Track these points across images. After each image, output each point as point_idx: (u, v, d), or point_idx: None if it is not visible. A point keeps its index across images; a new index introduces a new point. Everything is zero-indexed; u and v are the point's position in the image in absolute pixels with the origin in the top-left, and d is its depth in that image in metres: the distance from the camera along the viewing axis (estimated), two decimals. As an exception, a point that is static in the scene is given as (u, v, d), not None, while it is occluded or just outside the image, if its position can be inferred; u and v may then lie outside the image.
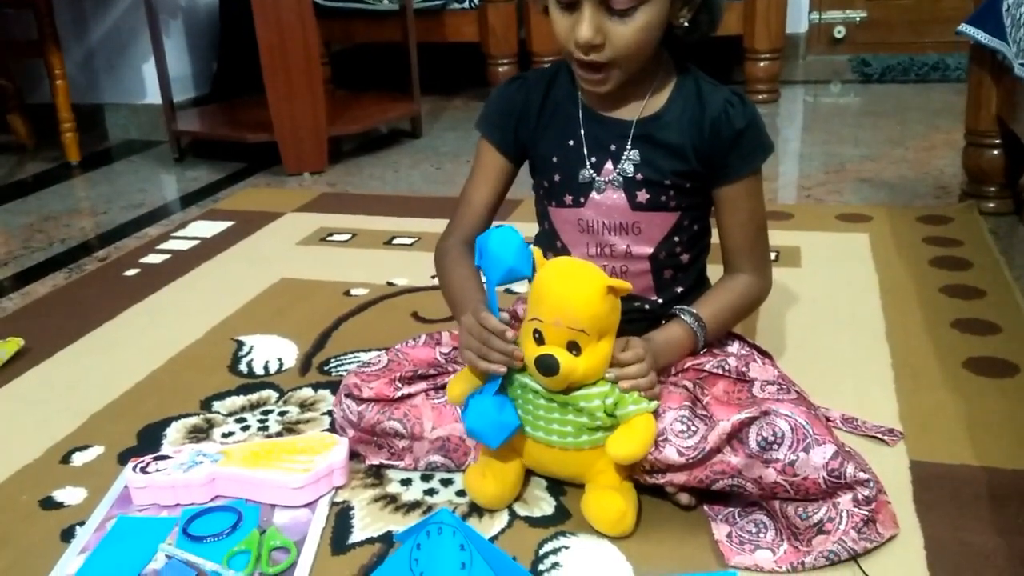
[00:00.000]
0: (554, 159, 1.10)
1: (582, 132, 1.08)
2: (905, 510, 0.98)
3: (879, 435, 1.11)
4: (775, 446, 0.91)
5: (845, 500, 0.91)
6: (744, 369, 1.03)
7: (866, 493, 0.91)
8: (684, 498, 1.00)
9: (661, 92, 1.07)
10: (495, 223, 1.14)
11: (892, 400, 1.20)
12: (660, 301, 1.11)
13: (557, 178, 1.10)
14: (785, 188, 2.19)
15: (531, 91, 1.12)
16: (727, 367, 1.04)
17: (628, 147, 1.06)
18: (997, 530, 0.94)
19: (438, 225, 1.97)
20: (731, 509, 0.98)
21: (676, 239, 1.09)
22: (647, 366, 0.96)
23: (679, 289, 1.12)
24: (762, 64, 3.02)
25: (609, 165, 1.07)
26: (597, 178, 1.08)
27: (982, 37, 1.74)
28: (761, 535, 0.94)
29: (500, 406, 0.97)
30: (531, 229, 1.19)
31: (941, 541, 0.93)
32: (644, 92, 1.06)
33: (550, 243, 1.14)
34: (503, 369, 0.97)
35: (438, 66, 3.34)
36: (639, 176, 1.06)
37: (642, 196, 1.06)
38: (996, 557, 0.91)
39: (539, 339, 0.95)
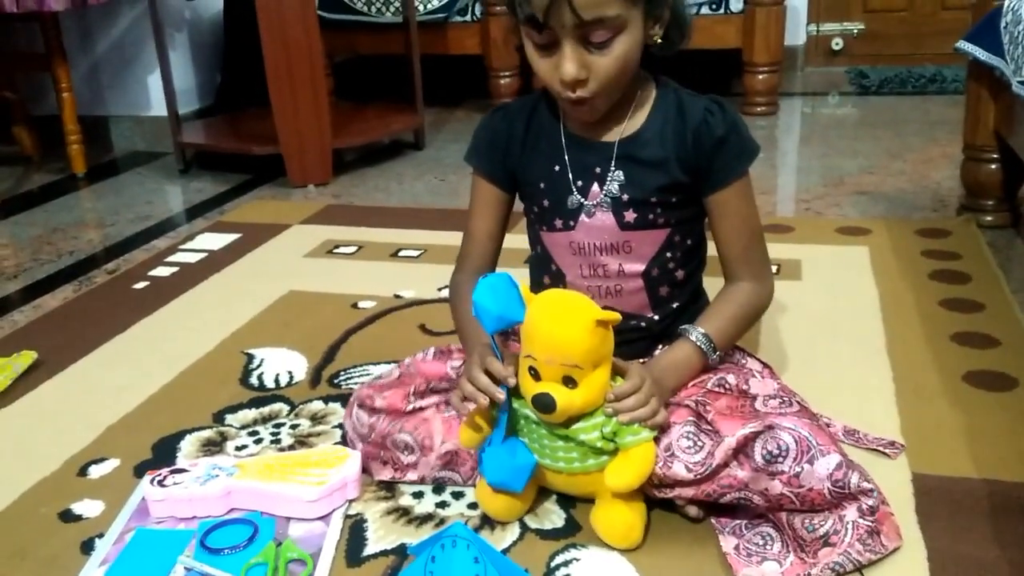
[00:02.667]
0: (541, 185, 1.12)
1: (566, 157, 1.10)
2: (907, 522, 1.00)
3: (880, 448, 1.13)
4: (780, 459, 0.93)
5: (850, 512, 0.94)
6: (744, 386, 1.05)
7: (870, 503, 0.93)
8: (693, 511, 1.02)
9: (641, 109, 1.09)
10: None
11: (893, 413, 1.22)
12: (656, 318, 1.13)
13: (546, 203, 1.12)
14: (784, 201, 2.21)
15: (514, 120, 1.14)
16: (728, 385, 1.06)
17: (612, 168, 1.08)
18: (998, 542, 0.97)
19: (444, 237, 2.02)
20: (738, 521, 1.01)
21: (668, 255, 1.11)
22: (644, 395, 0.97)
23: (675, 305, 1.14)
24: (761, 77, 3.04)
25: (595, 188, 1.09)
26: (585, 202, 1.09)
27: (980, 54, 1.77)
28: (768, 547, 0.97)
29: (512, 451, 0.99)
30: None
31: (943, 553, 0.95)
32: (624, 112, 1.08)
33: (544, 266, 1.16)
34: (484, 401, 0.98)
35: (440, 78, 3.37)
36: (625, 196, 1.08)
37: (630, 216, 1.08)
38: (997, 569, 0.93)
39: (535, 375, 0.96)
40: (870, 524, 0.93)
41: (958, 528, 0.99)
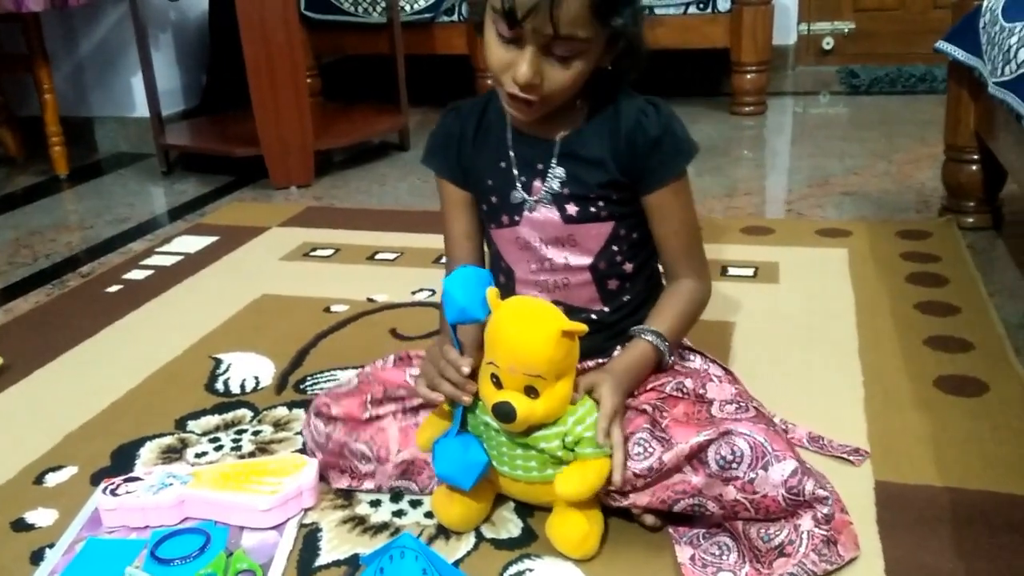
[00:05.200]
0: (489, 182, 1.12)
1: (511, 153, 1.10)
2: (868, 531, 0.99)
3: (845, 455, 1.12)
4: (734, 464, 0.92)
5: (806, 521, 0.92)
6: (701, 391, 1.04)
7: (825, 511, 0.92)
8: (649, 519, 1.01)
9: (583, 108, 1.09)
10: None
11: (861, 419, 1.21)
12: (607, 310, 1.13)
13: (493, 200, 1.13)
14: (768, 203, 2.19)
15: (465, 120, 1.14)
16: (685, 389, 1.05)
17: (554, 164, 1.08)
18: (958, 552, 0.95)
19: (421, 240, 2.00)
20: (696, 531, 0.99)
21: (615, 248, 1.10)
22: (617, 421, 0.97)
23: (626, 298, 1.13)
24: (749, 77, 3.03)
25: (538, 183, 1.09)
26: (528, 197, 1.10)
27: (959, 54, 1.75)
28: (724, 558, 0.95)
29: (465, 446, 0.98)
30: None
31: (901, 563, 0.94)
32: (568, 111, 1.08)
33: (496, 265, 1.16)
34: (441, 398, 0.98)
35: (428, 78, 3.35)
36: (566, 191, 1.08)
37: (572, 209, 1.09)
38: (955, 580, 0.92)
39: (497, 382, 0.95)
40: (825, 533, 0.92)
41: (918, 538, 0.98)
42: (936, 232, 1.86)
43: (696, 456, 0.94)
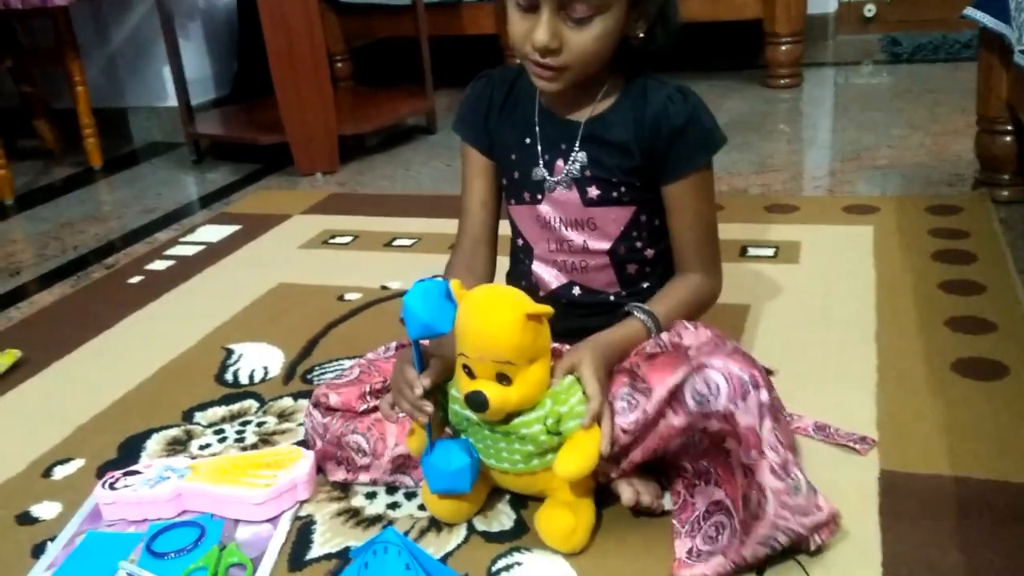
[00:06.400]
0: (512, 156, 1.13)
1: (537, 130, 1.11)
2: (869, 523, 0.96)
3: (851, 443, 1.09)
4: (710, 399, 0.90)
5: (767, 478, 0.87)
6: (677, 340, 1.00)
7: (778, 460, 0.88)
8: (646, 499, 0.98)
9: (612, 93, 1.09)
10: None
11: (871, 405, 1.17)
12: (624, 293, 1.12)
13: (516, 175, 1.13)
14: (794, 179, 2.14)
15: (496, 89, 1.15)
16: (662, 344, 1.02)
17: (577, 147, 1.08)
18: (959, 545, 0.92)
19: (439, 225, 1.99)
20: (696, 513, 0.97)
21: (635, 234, 1.10)
22: (604, 394, 0.94)
23: (645, 284, 1.13)
24: (784, 48, 2.95)
25: (560, 163, 1.10)
26: (548, 177, 1.10)
27: (988, 21, 1.68)
28: (720, 538, 0.93)
29: (446, 456, 0.97)
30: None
31: (901, 556, 0.91)
32: (596, 93, 1.08)
33: (515, 240, 1.17)
34: (395, 419, 1.00)
35: (457, 59, 3.33)
36: (588, 173, 1.08)
37: (593, 192, 1.09)
38: (955, 574, 0.88)
39: (469, 373, 0.94)
40: (785, 485, 0.87)
41: (920, 529, 0.94)
42: (968, 207, 1.79)
43: (675, 397, 0.92)
